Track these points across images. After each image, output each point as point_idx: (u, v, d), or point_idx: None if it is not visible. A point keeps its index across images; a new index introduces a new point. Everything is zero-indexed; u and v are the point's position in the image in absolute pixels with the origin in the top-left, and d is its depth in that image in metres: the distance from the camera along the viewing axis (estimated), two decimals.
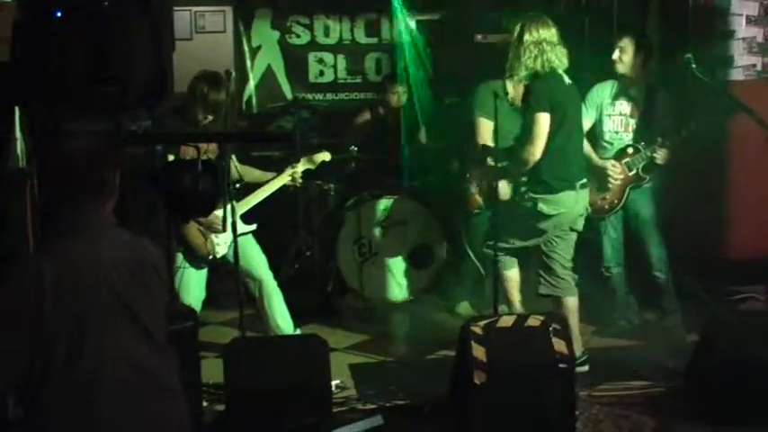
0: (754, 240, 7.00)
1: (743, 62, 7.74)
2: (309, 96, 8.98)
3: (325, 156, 6.72)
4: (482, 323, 5.18)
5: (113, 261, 3.30)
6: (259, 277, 6.39)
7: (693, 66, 6.30)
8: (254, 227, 6.30)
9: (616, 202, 6.67)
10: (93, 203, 3.34)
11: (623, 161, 6.62)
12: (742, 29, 7.82)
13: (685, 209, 7.03)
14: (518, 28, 5.80)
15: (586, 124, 6.63)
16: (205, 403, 5.42)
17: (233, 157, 6.21)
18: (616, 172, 6.59)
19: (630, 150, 6.62)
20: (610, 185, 6.62)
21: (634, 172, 6.60)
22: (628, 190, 6.65)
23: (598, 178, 6.59)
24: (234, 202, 5.84)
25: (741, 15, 7.82)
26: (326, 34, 9.06)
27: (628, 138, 6.67)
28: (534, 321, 5.20)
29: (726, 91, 6.36)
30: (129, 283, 3.32)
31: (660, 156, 6.52)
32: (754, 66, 7.80)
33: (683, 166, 6.68)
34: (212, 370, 5.52)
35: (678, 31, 7.60)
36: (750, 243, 7.38)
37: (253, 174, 6.53)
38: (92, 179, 3.33)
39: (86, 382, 3.20)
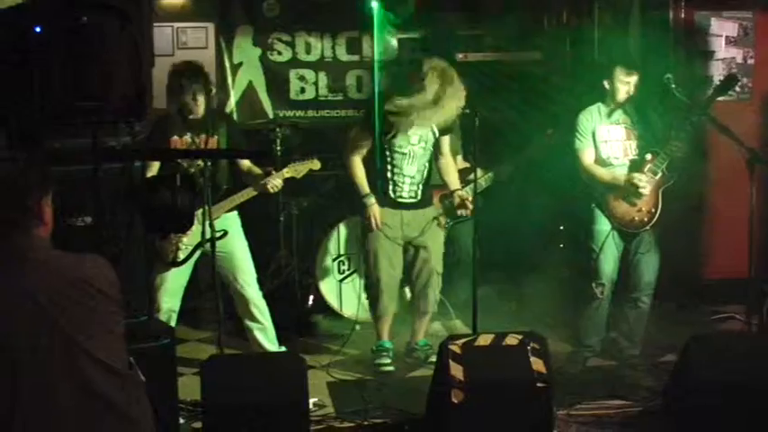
0: (733, 261, 7.00)
1: None
2: (290, 113, 8.99)
3: (314, 164, 6.63)
4: (460, 342, 5.16)
5: (47, 290, 3.05)
6: (247, 291, 6.37)
7: (673, 86, 6.31)
8: (222, 232, 5.93)
9: (654, 210, 6.52)
10: (18, 232, 3.12)
11: (645, 169, 6.46)
12: (721, 49, 7.87)
13: (665, 230, 7.02)
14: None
15: (589, 153, 6.57)
16: (182, 420, 5.41)
17: None
18: (643, 180, 6.44)
19: (649, 156, 6.46)
20: (641, 195, 6.48)
21: (660, 174, 6.46)
22: (660, 193, 6.51)
23: (626, 193, 6.50)
24: (208, 207, 5.62)
25: (721, 36, 7.86)
26: (308, 51, 9.06)
27: (627, 161, 6.58)
28: (512, 340, 5.18)
29: (705, 111, 6.35)
30: (71, 312, 3.07)
31: (678, 148, 6.37)
32: None
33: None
34: (190, 387, 5.50)
35: (658, 51, 7.62)
36: (729, 263, 7.39)
37: (258, 173, 6.44)
38: (12, 207, 3.13)
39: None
